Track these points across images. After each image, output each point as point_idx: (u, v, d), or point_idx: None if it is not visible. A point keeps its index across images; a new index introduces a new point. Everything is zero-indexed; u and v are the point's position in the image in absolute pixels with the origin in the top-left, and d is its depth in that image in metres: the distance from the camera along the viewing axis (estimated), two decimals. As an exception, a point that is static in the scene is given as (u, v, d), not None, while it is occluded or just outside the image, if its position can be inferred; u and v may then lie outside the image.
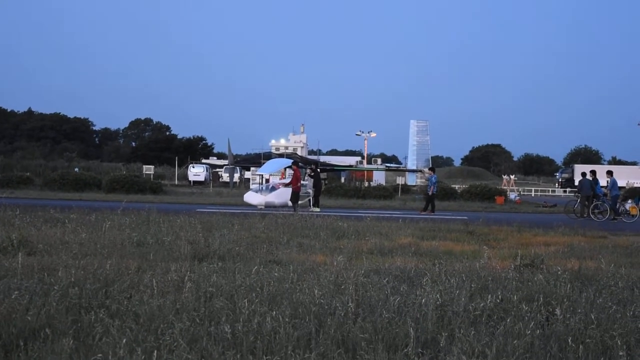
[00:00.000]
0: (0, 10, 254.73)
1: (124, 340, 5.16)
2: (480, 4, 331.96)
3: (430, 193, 29.55)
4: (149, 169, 69.55)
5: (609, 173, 28.02)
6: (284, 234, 14.05)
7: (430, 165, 54.23)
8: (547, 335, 5.85)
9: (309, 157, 79.13)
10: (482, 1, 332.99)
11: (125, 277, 7.75)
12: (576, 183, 72.74)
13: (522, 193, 66.28)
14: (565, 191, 76.39)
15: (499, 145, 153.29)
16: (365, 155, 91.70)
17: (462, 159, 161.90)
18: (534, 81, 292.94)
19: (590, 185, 27.42)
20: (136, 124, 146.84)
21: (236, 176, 61.56)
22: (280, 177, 38.28)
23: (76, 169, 60.04)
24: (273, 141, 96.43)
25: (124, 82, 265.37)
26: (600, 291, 7.72)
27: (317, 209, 27.27)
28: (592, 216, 26.21)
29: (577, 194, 28.92)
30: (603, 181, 28.72)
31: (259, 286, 7.33)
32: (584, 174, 28.20)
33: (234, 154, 56.41)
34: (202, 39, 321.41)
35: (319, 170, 31.25)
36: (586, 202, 27.03)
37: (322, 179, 39.43)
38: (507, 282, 8.14)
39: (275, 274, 8.19)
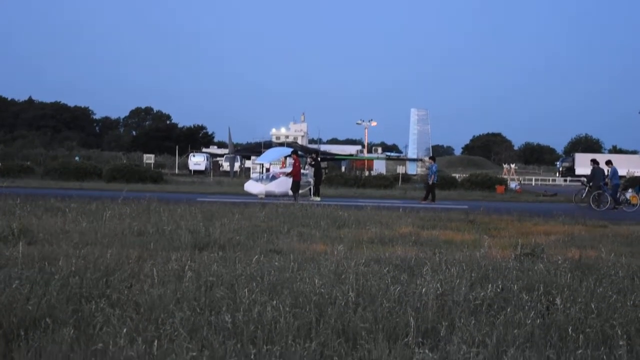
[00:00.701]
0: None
1: (125, 330, 5.17)
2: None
3: (430, 182, 29.57)
4: (149, 158, 69.58)
5: (609, 162, 27.93)
6: (285, 223, 14.05)
7: (431, 154, 54.26)
8: (548, 324, 5.85)
9: (310, 146, 79.13)
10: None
11: (126, 267, 7.76)
12: (577, 172, 73.06)
13: (522, 182, 66.27)
14: (565, 180, 76.30)
15: (499, 134, 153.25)
16: (366, 144, 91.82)
17: (462, 148, 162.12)
18: (535, 70, 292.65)
19: (603, 174, 27.23)
20: (136, 112, 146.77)
21: (237, 165, 61.50)
22: (280, 166, 38.27)
23: (76, 158, 60.11)
24: (274, 130, 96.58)
25: (125, 71, 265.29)
26: (600, 280, 7.72)
27: (318, 198, 27.27)
28: (592, 205, 26.19)
29: (588, 182, 28.59)
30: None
31: (259, 275, 7.34)
32: (596, 162, 27.85)
33: (235, 143, 56.32)
34: (202, 28, 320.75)
35: (319, 159, 31.23)
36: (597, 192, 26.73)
37: (323, 168, 39.38)
38: (507, 271, 8.14)
39: (276, 263, 8.19)
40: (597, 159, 28.92)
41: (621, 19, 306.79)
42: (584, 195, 28.38)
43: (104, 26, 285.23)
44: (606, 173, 27.89)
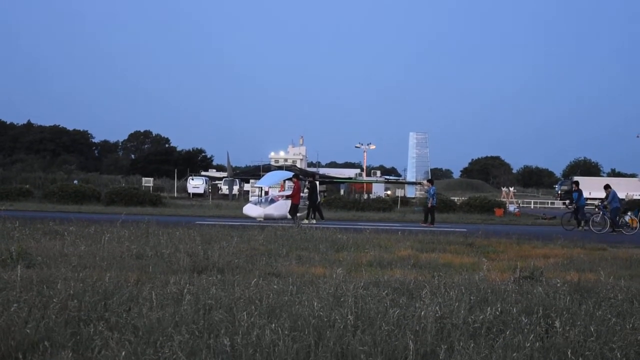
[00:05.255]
0: (2, 23, 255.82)
1: (123, 353, 5.15)
2: (478, 14, 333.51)
3: (429, 205, 29.60)
4: (148, 181, 69.62)
5: (607, 187, 27.97)
6: (283, 247, 14.04)
7: (429, 177, 54.35)
8: (547, 347, 5.84)
9: (308, 169, 79.29)
10: (479, 11, 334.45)
11: (125, 290, 7.75)
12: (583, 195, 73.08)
13: (521, 205, 66.28)
14: (564, 203, 76.30)
15: (498, 158, 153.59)
16: (365, 168, 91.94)
17: (461, 171, 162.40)
18: (534, 93, 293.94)
19: (618, 198, 27.54)
20: (135, 136, 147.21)
21: (235, 188, 61.58)
22: (279, 189, 38.29)
23: (75, 182, 59.99)
24: (272, 153, 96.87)
25: (124, 94, 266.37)
26: (599, 303, 7.71)
27: (314, 221, 27.28)
28: (591, 228, 26.23)
29: (571, 204, 29.12)
30: (602, 195, 28.80)
31: (258, 299, 7.33)
32: (609, 187, 27.96)
33: (233, 166, 56.48)
34: (201, 50, 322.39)
35: (316, 182, 31.25)
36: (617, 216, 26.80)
37: (321, 191, 39.38)
38: (506, 294, 8.13)
39: (275, 286, 8.18)
40: (579, 181, 29.90)
41: (620, 42, 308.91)
42: (570, 218, 28.67)
43: (102, 51, 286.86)
44: (604, 197, 28.01)
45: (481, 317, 6.63)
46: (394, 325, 6.28)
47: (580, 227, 27.00)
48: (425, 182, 43.12)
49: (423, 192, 65.08)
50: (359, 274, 10.14)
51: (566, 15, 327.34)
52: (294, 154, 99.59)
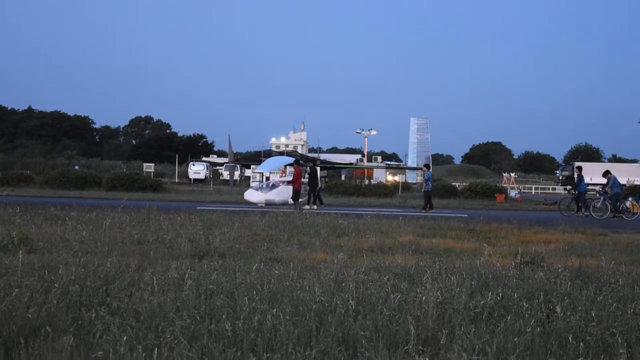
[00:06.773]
0: (2, 8, 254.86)
1: (125, 338, 5.16)
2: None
3: (423, 190, 29.69)
4: (149, 167, 69.78)
5: (606, 173, 27.89)
6: (285, 232, 14.05)
7: (428, 163, 54.37)
8: (548, 332, 5.85)
9: (309, 154, 79.17)
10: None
11: (126, 275, 7.76)
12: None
13: (522, 191, 66.25)
14: (565, 189, 76.25)
15: (499, 143, 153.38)
16: (366, 153, 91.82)
17: (462, 156, 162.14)
18: (535, 78, 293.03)
19: (619, 183, 27.53)
20: (136, 121, 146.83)
21: (236, 174, 61.56)
22: (280, 175, 38.28)
23: (76, 167, 60.04)
24: (273, 139, 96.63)
25: (125, 80, 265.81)
26: (600, 289, 7.72)
27: (315, 207, 27.27)
28: (592, 213, 26.23)
29: (573, 189, 29.13)
30: (603, 180, 28.77)
31: (259, 284, 7.34)
32: (609, 173, 27.87)
33: (235, 151, 56.38)
34: (201, 36, 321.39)
35: (317, 168, 31.21)
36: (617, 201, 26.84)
37: (322, 177, 39.31)
38: (507, 279, 8.13)
39: (276, 271, 8.19)
40: (582, 167, 29.71)
41: (622, 29, 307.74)
42: (569, 203, 28.63)
43: (104, 36, 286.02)
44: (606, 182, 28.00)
45: (482, 302, 6.64)
46: (395, 310, 6.29)
47: (580, 213, 26.98)
48: (423, 167, 43.20)
49: (420, 178, 65.17)
50: (360, 259, 10.15)
51: (565, 7, 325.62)
52: (295, 140, 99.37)
